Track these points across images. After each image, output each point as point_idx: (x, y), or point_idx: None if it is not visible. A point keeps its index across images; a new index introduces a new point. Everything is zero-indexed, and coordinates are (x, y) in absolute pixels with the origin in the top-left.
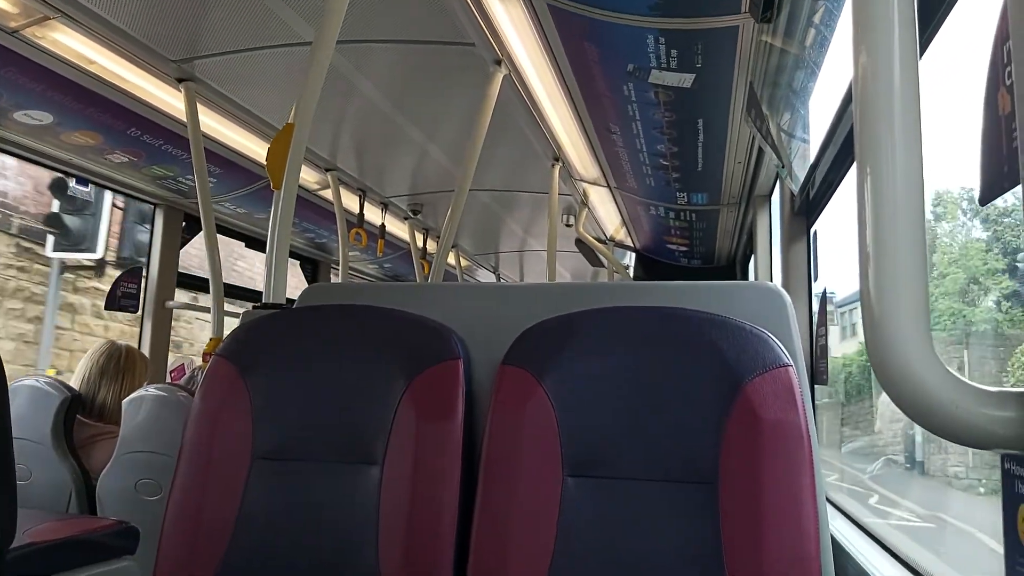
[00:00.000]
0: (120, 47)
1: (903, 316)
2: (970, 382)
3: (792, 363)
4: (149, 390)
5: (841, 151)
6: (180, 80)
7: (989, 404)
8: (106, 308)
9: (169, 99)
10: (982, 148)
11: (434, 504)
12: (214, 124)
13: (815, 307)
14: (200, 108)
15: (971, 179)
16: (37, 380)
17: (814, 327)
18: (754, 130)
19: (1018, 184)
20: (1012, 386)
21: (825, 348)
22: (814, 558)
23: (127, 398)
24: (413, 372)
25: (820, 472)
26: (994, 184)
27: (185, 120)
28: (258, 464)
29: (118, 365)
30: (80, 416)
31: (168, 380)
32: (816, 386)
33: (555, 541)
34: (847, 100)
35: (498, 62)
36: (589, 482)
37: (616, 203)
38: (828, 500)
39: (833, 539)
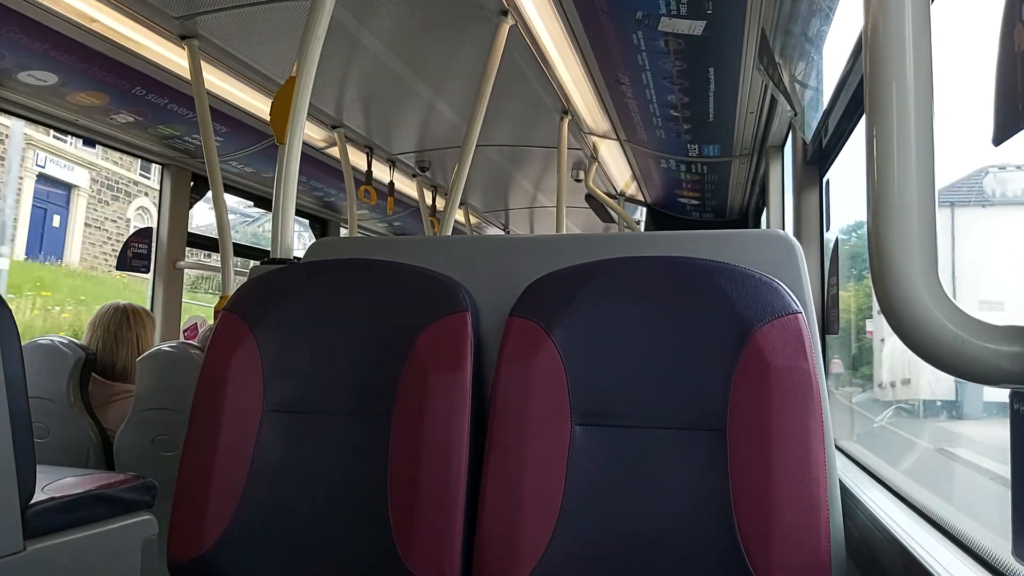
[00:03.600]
0: (122, 4)
1: (912, 255)
2: (978, 318)
3: (802, 310)
4: (163, 348)
5: (854, 98)
6: (183, 37)
7: (997, 339)
8: (117, 268)
9: (173, 57)
10: (996, 87)
11: (444, 454)
12: (219, 82)
13: (827, 256)
14: (205, 66)
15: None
16: (52, 340)
17: (826, 276)
18: (766, 78)
19: None
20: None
21: (836, 297)
22: (822, 503)
23: (141, 356)
24: (421, 324)
25: (829, 419)
26: (1008, 123)
27: (189, 79)
28: (269, 417)
29: (129, 324)
30: (97, 376)
31: (182, 339)
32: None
33: (564, 489)
34: (859, 47)
35: (504, 12)
36: (598, 431)
37: (626, 157)
38: (837, 447)
39: (842, 484)
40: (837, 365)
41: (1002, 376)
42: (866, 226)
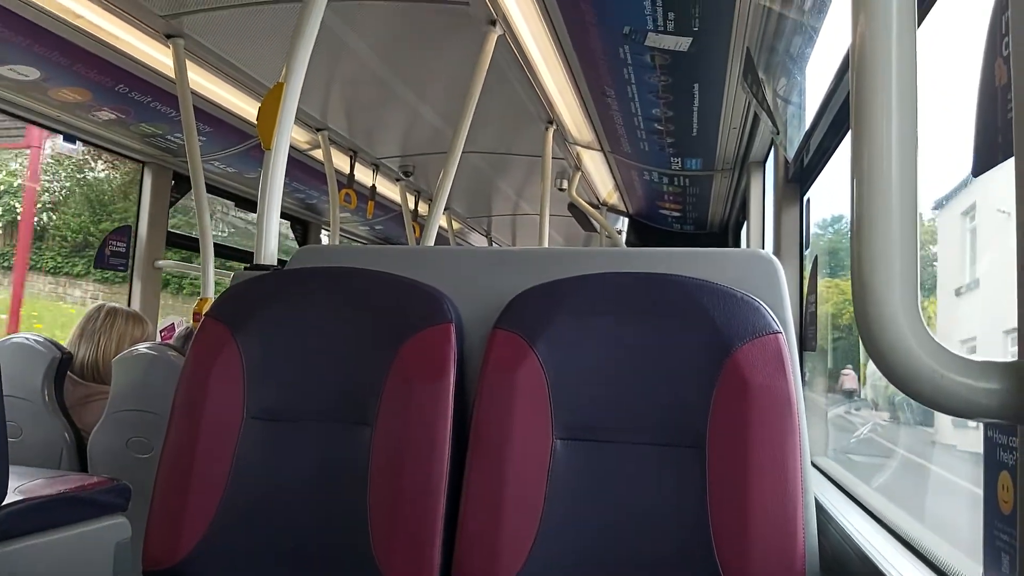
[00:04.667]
0: (107, 1)
1: (892, 285)
2: (955, 352)
3: (782, 330)
4: (139, 349)
5: (836, 118)
6: (168, 36)
7: (972, 374)
8: (95, 267)
9: (158, 55)
10: (977, 119)
11: (424, 465)
12: (204, 82)
13: (806, 274)
14: (189, 65)
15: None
16: (27, 338)
17: (804, 294)
18: (750, 96)
19: (1011, 156)
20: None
21: (815, 315)
22: (798, 520)
23: (116, 357)
24: (405, 335)
25: (806, 437)
26: (988, 156)
27: (174, 77)
28: (249, 424)
29: (112, 326)
30: (74, 376)
31: (159, 340)
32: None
33: (544, 502)
34: (844, 67)
35: (492, 22)
36: (579, 445)
37: (610, 167)
38: (813, 464)
39: (817, 502)
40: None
41: (978, 410)
42: (849, 252)
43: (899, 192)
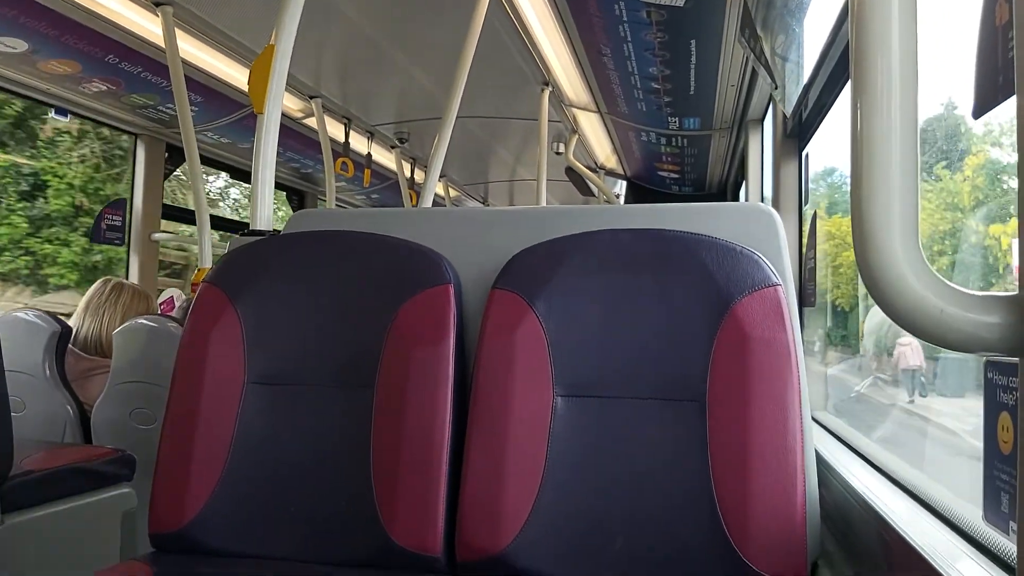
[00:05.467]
0: None
1: (893, 225)
2: (957, 287)
3: (781, 283)
4: (139, 321)
5: (835, 71)
6: (157, 4)
7: (975, 308)
8: (91, 241)
9: (147, 24)
10: (977, 59)
11: (426, 425)
12: (194, 51)
13: (806, 229)
14: (179, 34)
15: None
16: (27, 313)
17: (804, 249)
18: (748, 51)
19: (1013, 95)
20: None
21: (814, 271)
22: (799, 471)
23: (117, 330)
24: (404, 297)
25: (806, 389)
26: (988, 96)
27: (164, 47)
28: (250, 389)
29: (116, 300)
30: (76, 350)
31: (158, 312)
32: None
33: (545, 459)
34: (842, 18)
35: None
36: (579, 401)
37: (607, 129)
38: (813, 419)
39: (817, 453)
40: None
41: (980, 344)
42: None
43: (900, 137)
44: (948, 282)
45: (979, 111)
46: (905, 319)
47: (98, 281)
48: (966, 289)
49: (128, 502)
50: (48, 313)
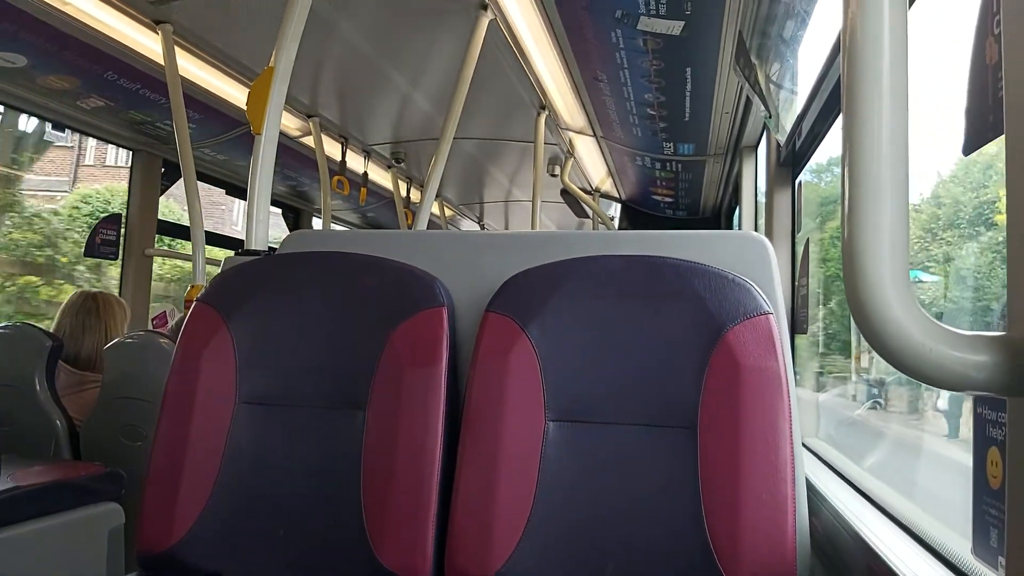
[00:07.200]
0: None
1: (883, 260)
2: (945, 326)
3: (773, 311)
4: (131, 337)
5: (828, 102)
6: (157, 22)
7: (963, 347)
8: (85, 255)
9: (146, 42)
10: (967, 97)
11: (418, 448)
12: (193, 68)
13: (799, 256)
14: (178, 52)
15: None
16: (19, 326)
17: (796, 276)
18: (742, 80)
19: (1001, 134)
20: (987, 330)
21: (806, 298)
22: (789, 501)
23: (108, 345)
24: (397, 319)
25: (797, 418)
26: (978, 134)
27: (163, 64)
28: (242, 408)
29: (98, 312)
30: (65, 364)
31: (150, 327)
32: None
33: (537, 484)
34: (836, 50)
35: (484, 6)
36: (571, 427)
37: (602, 153)
38: (804, 445)
39: (808, 482)
40: None
41: (969, 383)
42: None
43: (890, 168)
44: (937, 321)
45: (969, 148)
46: (893, 356)
47: (73, 294)
48: (954, 328)
49: (116, 519)
50: (39, 327)
